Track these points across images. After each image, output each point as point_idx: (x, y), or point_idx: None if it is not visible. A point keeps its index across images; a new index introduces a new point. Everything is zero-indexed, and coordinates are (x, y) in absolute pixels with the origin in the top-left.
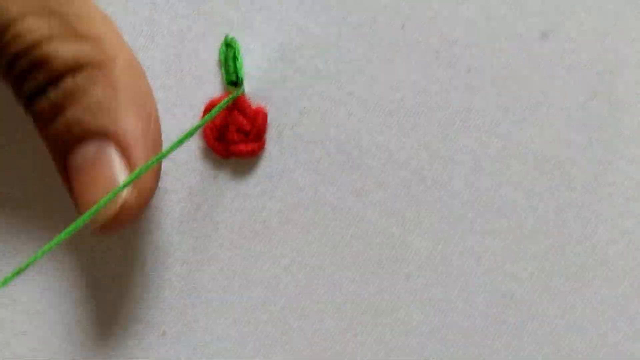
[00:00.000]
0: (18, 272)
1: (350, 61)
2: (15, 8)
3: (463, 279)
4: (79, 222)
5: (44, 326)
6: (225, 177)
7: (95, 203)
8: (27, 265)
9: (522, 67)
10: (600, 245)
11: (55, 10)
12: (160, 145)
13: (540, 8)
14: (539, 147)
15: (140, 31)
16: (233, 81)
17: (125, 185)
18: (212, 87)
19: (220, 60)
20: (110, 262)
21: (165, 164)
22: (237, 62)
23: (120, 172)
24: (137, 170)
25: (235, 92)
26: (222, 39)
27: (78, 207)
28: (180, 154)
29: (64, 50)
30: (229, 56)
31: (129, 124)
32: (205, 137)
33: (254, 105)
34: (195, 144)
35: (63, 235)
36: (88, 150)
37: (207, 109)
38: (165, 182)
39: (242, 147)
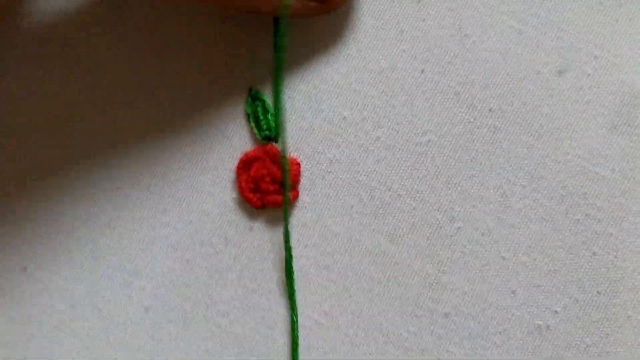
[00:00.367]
0: None
1: (374, 108)
2: None
3: (499, 314)
4: None
5: None
6: (261, 227)
7: None
8: None
9: (542, 104)
10: (628, 273)
11: None
12: None
13: (555, 46)
14: (564, 182)
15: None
16: (267, 136)
17: None
18: (241, 140)
19: (248, 114)
20: None
21: (200, 216)
22: (270, 116)
23: None
24: None
25: (279, 147)
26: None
27: None
28: (215, 206)
29: None
30: (258, 110)
31: None
32: (240, 188)
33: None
34: (229, 196)
35: None
36: None
37: (242, 161)
38: (201, 234)
39: (277, 197)
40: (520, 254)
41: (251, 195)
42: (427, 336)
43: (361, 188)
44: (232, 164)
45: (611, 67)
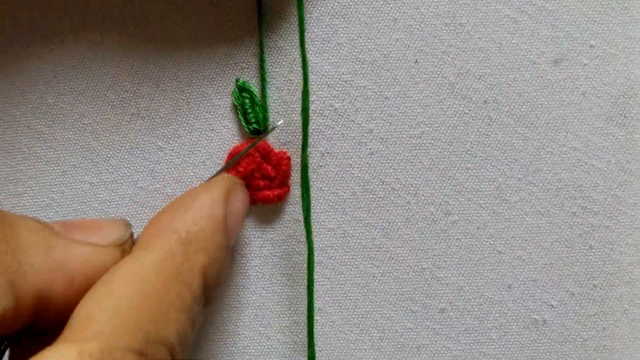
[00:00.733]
0: None
1: (367, 99)
2: None
3: (496, 309)
4: None
5: None
6: (252, 224)
7: None
8: None
9: (538, 95)
10: (625, 266)
11: None
12: None
13: (550, 35)
14: (560, 174)
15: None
16: (257, 129)
17: None
18: (229, 133)
19: (236, 106)
20: None
21: None
22: (258, 109)
23: None
24: None
25: (258, 139)
26: (233, 82)
27: None
28: None
29: None
30: (245, 102)
31: None
32: None
33: (275, 150)
34: None
35: None
36: None
37: (231, 156)
38: None
39: (268, 193)
40: (516, 248)
41: None
42: (423, 332)
43: (354, 182)
44: (221, 158)
45: (607, 57)
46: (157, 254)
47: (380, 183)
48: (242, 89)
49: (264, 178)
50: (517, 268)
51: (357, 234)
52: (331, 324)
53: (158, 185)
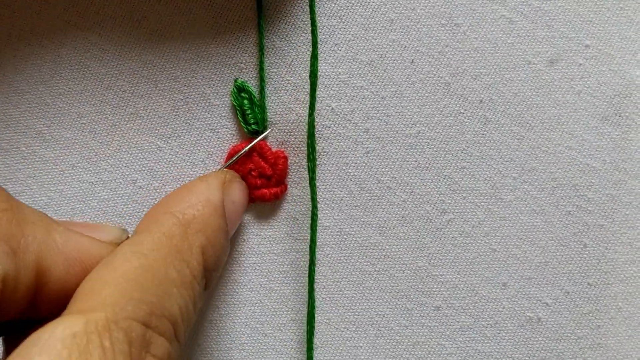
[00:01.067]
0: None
1: (363, 99)
2: None
3: (490, 307)
4: None
5: None
6: (250, 222)
7: None
8: None
9: (533, 94)
10: (619, 265)
11: None
12: None
13: (546, 36)
14: (555, 173)
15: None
16: (256, 130)
17: None
18: (227, 133)
19: (234, 106)
20: None
21: None
22: (257, 109)
23: None
24: None
25: (256, 141)
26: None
27: None
28: None
29: None
30: (244, 103)
31: None
32: None
33: (273, 149)
34: None
35: None
36: None
37: (231, 156)
38: None
39: (265, 191)
40: (510, 246)
41: None
42: (418, 329)
43: (350, 180)
44: (220, 157)
45: (602, 57)
46: (156, 234)
47: (376, 182)
48: (240, 89)
49: (261, 176)
50: (512, 266)
51: (353, 232)
52: (327, 321)
53: (157, 185)
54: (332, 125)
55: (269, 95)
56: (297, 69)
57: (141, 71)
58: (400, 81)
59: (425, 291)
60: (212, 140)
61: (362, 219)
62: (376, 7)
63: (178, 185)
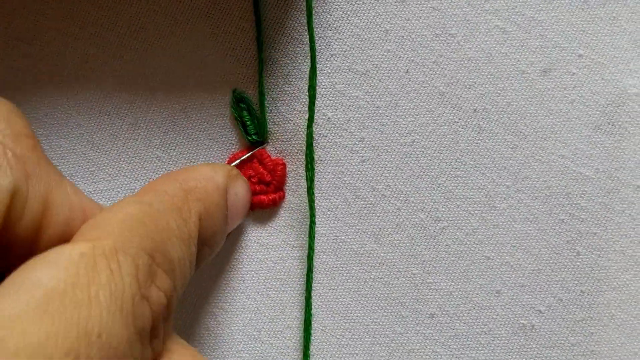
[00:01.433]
0: None
1: (359, 108)
2: None
3: (484, 314)
4: None
5: None
6: (248, 229)
7: None
8: None
9: (527, 104)
10: (612, 272)
11: None
12: None
13: (539, 45)
14: (548, 182)
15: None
16: (256, 140)
17: None
18: (227, 142)
19: (234, 116)
20: None
21: None
22: (256, 120)
23: None
24: None
25: (254, 150)
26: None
27: None
28: None
29: None
30: (244, 114)
31: None
32: None
33: (272, 157)
34: None
35: None
36: None
37: (231, 162)
38: None
39: (264, 197)
40: (504, 254)
41: None
42: (413, 336)
43: (346, 189)
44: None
45: (596, 66)
46: (159, 192)
47: (371, 190)
48: (239, 100)
49: (260, 183)
50: (505, 274)
51: (348, 240)
52: (323, 328)
53: None
54: (329, 134)
55: (267, 105)
56: (294, 80)
57: (139, 81)
58: (395, 91)
59: (419, 298)
60: (211, 149)
61: (358, 227)
62: (371, 18)
63: None
